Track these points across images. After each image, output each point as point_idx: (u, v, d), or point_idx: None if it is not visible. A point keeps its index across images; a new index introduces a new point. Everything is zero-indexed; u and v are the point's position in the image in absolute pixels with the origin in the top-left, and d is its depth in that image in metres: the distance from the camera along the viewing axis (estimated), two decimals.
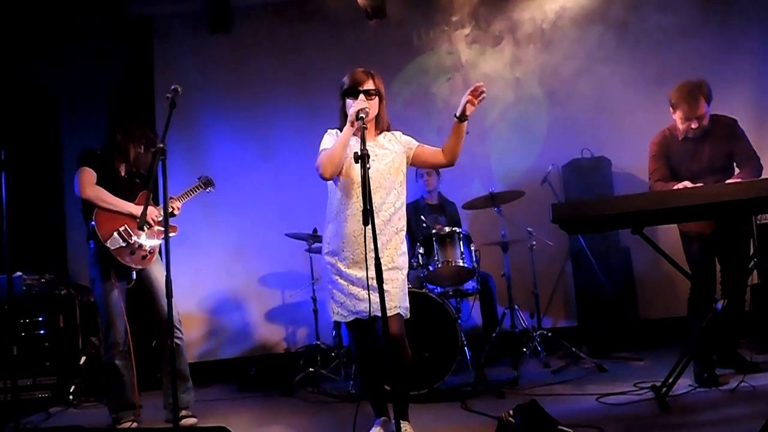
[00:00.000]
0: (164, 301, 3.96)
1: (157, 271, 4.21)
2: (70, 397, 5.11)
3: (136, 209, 4.12)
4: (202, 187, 4.52)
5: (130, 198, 4.20)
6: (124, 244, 4.05)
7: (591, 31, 6.15)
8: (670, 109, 4.21)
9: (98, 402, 5.06)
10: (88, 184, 4.08)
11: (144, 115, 4.36)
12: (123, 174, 4.28)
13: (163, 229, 4.16)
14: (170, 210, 4.21)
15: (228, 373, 5.94)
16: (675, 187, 3.92)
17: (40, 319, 5.25)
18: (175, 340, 4.07)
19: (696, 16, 6.22)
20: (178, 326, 4.16)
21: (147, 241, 4.17)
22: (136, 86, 6.47)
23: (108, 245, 4.00)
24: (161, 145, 3.19)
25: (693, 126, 4.11)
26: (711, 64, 5.95)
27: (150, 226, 4.17)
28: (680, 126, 4.17)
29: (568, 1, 5.90)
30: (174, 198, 4.29)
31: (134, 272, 4.15)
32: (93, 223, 4.02)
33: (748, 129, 4.38)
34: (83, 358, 5.43)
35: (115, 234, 4.04)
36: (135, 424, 4.06)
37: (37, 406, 4.97)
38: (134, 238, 4.09)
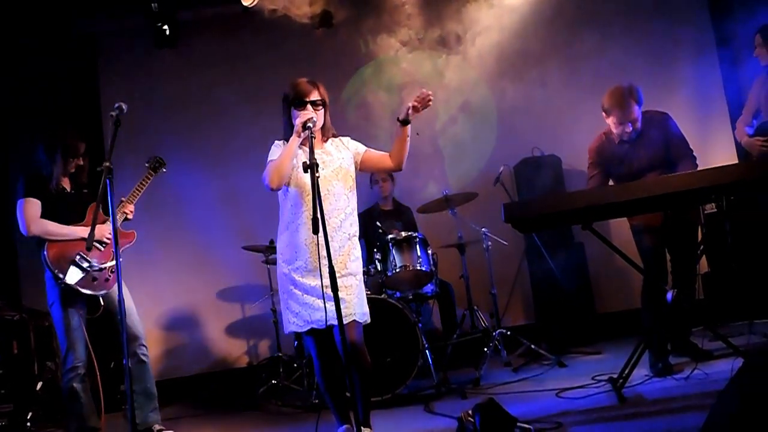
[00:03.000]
0: (128, 320, 3.93)
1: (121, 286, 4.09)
2: (28, 424, 4.98)
3: (86, 232, 3.91)
4: (152, 174, 4.33)
5: (82, 213, 4.06)
6: (83, 275, 3.90)
7: (536, 29, 6.24)
8: (603, 114, 4.30)
9: (56, 428, 4.95)
10: (32, 220, 3.92)
11: (75, 129, 4.18)
12: (69, 189, 4.13)
13: (122, 240, 4.07)
14: (124, 215, 4.10)
15: (190, 391, 5.87)
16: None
17: None
18: (143, 357, 4.02)
19: (633, 7, 6.38)
20: (143, 343, 4.07)
21: (104, 261, 4.00)
22: (83, 106, 6.36)
23: (67, 281, 3.85)
24: (107, 164, 3.16)
25: (627, 130, 4.21)
26: (652, 58, 6.11)
27: (105, 245, 4.03)
28: (615, 131, 4.26)
29: (513, 6, 5.98)
30: (125, 201, 4.15)
31: (101, 298, 3.99)
32: (45, 253, 3.87)
33: (691, 120, 4.49)
34: (40, 384, 5.30)
35: (72, 267, 3.88)
36: None
37: None
38: (93, 262, 3.93)
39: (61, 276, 3.83)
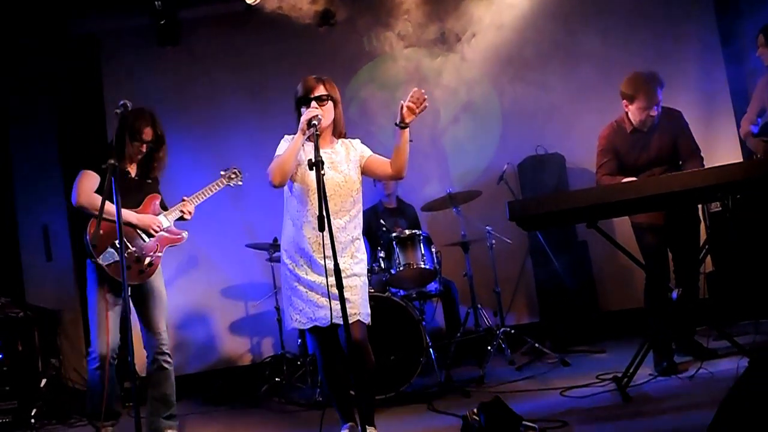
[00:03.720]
0: (155, 314, 3.89)
1: (158, 283, 3.96)
2: (32, 420, 4.99)
3: (138, 218, 3.86)
4: (224, 183, 4.24)
5: (139, 200, 3.94)
6: (118, 258, 3.71)
7: (540, 29, 6.22)
8: (624, 101, 4.25)
9: (60, 425, 4.97)
10: (84, 192, 3.77)
11: (146, 113, 3.94)
12: (133, 175, 3.98)
13: (170, 236, 4.00)
14: (180, 214, 4.02)
15: (194, 388, 5.87)
16: (623, 181, 4.01)
17: None
18: (164, 364, 3.90)
19: (637, 5, 6.35)
20: (166, 350, 3.91)
21: (145, 253, 3.86)
22: (86, 104, 6.37)
23: (100, 261, 3.71)
24: (112, 161, 3.15)
25: (652, 114, 4.17)
26: (656, 56, 6.09)
27: (151, 237, 3.90)
28: (638, 117, 4.21)
29: (516, 3, 5.98)
30: (186, 200, 4.06)
31: (129, 288, 3.77)
32: (87, 237, 3.72)
33: (695, 119, 4.49)
34: (44, 381, 5.32)
35: (110, 249, 3.73)
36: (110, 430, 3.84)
37: None
38: (132, 249, 3.80)
39: (95, 254, 3.72)
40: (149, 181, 4.04)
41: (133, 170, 3.98)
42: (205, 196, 4.14)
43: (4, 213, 6.36)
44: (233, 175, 4.32)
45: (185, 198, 4.08)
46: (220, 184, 4.24)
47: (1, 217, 6.35)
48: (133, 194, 3.91)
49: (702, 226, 4.49)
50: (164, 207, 4.07)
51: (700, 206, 4.55)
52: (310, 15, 6.06)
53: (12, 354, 5.14)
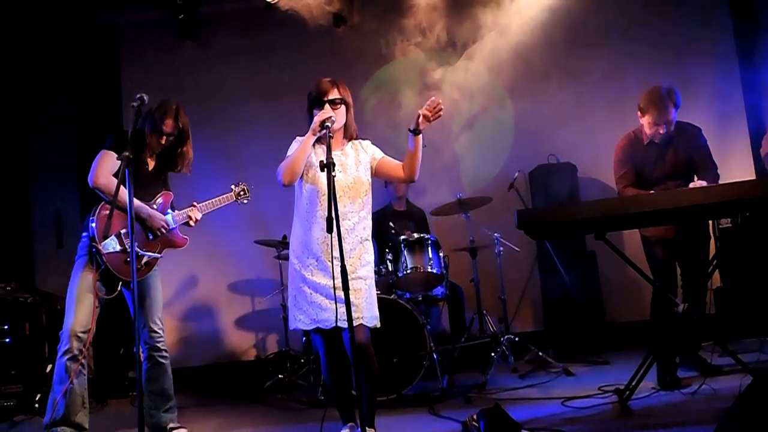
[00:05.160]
0: (150, 311, 3.84)
1: (154, 280, 3.91)
2: (36, 405, 5.03)
3: (149, 215, 3.81)
4: (232, 199, 4.23)
5: (152, 194, 3.89)
6: (119, 249, 3.70)
7: (557, 39, 6.23)
8: (638, 113, 4.28)
9: None
10: (102, 173, 3.68)
11: (172, 107, 3.86)
12: (150, 168, 3.91)
13: (172, 240, 3.95)
14: (187, 219, 3.99)
15: (198, 381, 5.92)
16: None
17: (6, 327, 5.18)
18: (160, 360, 3.87)
19: (653, 19, 6.36)
20: (161, 347, 3.88)
21: (146, 251, 3.81)
22: (104, 95, 6.43)
23: (100, 246, 3.63)
24: (126, 153, 3.15)
25: (661, 131, 4.19)
26: (672, 72, 6.08)
27: (155, 237, 3.85)
28: (648, 130, 4.24)
29: (533, 12, 5.98)
30: (195, 206, 4.03)
31: (121, 284, 3.77)
32: (93, 220, 3.65)
33: (710, 135, 4.47)
34: (49, 367, 5.36)
35: (114, 238, 3.68)
36: None
37: (3, 414, 4.89)
38: (135, 244, 3.63)
39: (97, 240, 3.64)
40: (164, 177, 4.01)
41: (151, 163, 3.93)
42: (213, 206, 4.12)
43: (19, 199, 6.44)
44: (242, 193, 4.32)
45: (195, 204, 4.05)
46: (228, 198, 4.22)
47: (16, 203, 6.43)
48: (146, 187, 3.86)
49: (712, 241, 4.48)
50: (173, 207, 4.05)
51: (711, 222, 4.55)
52: (328, 15, 6.11)
53: (19, 338, 5.19)
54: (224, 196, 4.21)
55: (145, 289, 3.85)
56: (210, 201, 4.12)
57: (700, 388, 3.92)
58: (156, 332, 3.88)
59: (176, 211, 4.03)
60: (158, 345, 3.89)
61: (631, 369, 3.95)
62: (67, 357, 3.59)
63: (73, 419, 3.60)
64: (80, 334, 3.61)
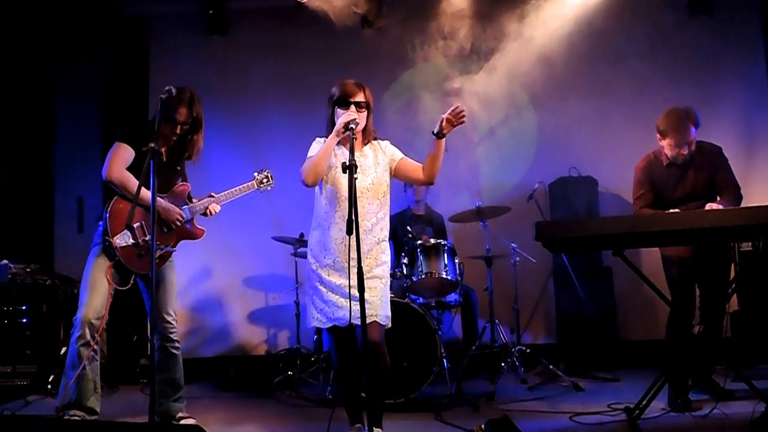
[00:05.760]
0: (163, 301, 3.88)
1: (169, 272, 3.93)
2: (49, 386, 5.11)
3: (163, 207, 3.80)
4: (254, 187, 4.16)
5: (167, 185, 3.88)
6: (132, 242, 3.70)
7: (583, 52, 6.21)
8: (658, 135, 4.27)
9: None
10: (116, 166, 3.68)
11: (187, 96, 3.84)
12: (164, 159, 3.87)
13: (188, 231, 3.95)
14: (205, 209, 3.98)
15: (208, 372, 5.95)
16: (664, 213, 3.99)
17: (24, 307, 5.26)
18: (172, 350, 3.91)
19: (681, 36, 6.31)
20: (174, 337, 3.91)
21: (160, 244, 3.77)
22: (131, 85, 6.49)
23: (112, 239, 3.65)
24: (152, 145, 3.18)
25: (683, 152, 4.17)
26: (697, 90, 6.05)
27: (169, 229, 3.85)
28: (669, 153, 4.22)
29: (560, 21, 5.98)
30: (214, 197, 4.02)
31: (134, 276, 3.80)
32: (106, 213, 3.66)
33: (735, 155, 4.44)
34: (64, 349, 5.42)
35: (127, 231, 3.69)
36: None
37: (16, 393, 4.95)
38: (147, 237, 3.72)
39: (110, 233, 3.66)
40: (179, 167, 4.00)
41: (165, 153, 3.91)
42: (233, 196, 4.09)
43: (43, 183, 6.53)
44: (265, 180, 4.25)
45: (213, 195, 4.03)
46: (250, 187, 4.17)
47: (40, 187, 6.52)
48: (162, 178, 3.78)
49: (733, 264, 4.44)
50: (190, 198, 4.05)
51: (733, 244, 4.50)
52: (354, 17, 6.14)
53: (36, 320, 5.26)
54: (246, 184, 4.18)
55: (159, 281, 3.85)
56: (230, 190, 4.09)
57: (712, 412, 3.88)
58: (169, 323, 3.92)
59: (193, 202, 4.03)
60: (170, 335, 3.93)
61: (642, 388, 3.93)
62: (80, 343, 3.64)
63: (84, 403, 3.66)
64: (93, 321, 3.66)
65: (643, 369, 5.20)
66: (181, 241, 3.99)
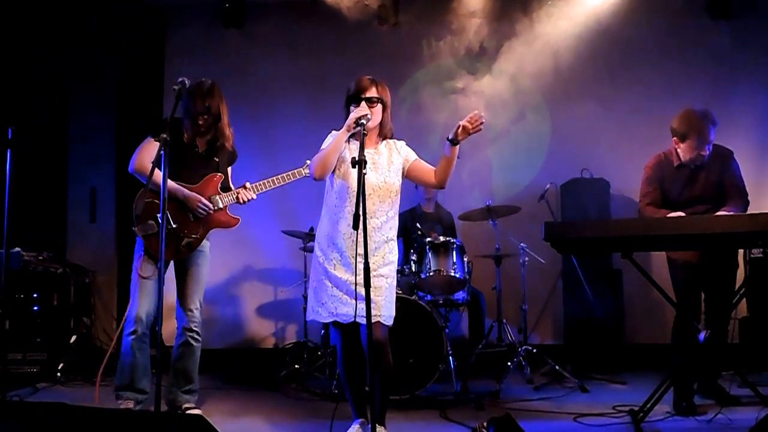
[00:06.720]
0: (189, 292, 3.96)
1: (199, 262, 3.99)
2: (58, 374, 5.17)
3: (185, 195, 3.84)
4: (298, 175, 4.05)
5: (199, 176, 3.92)
6: (156, 231, 3.74)
7: (597, 53, 6.20)
8: (675, 138, 4.22)
9: (84, 382, 5.11)
10: (142, 160, 3.78)
11: (206, 86, 3.90)
12: (200, 150, 3.96)
13: (220, 220, 3.97)
14: (236, 195, 3.97)
15: (216, 364, 5.97)
16: (669, 215, 3.97)
17: (35, 295, 5.32)
18: (191, 341, 3.97)
19: (698, 39, 6.29)
20: (195, 328, 3.98)
21: (187, 233, 3.86)
22: (146, 75, 6.54)
23: (140, 231, 3.76)
24: (164, 136, 3.21)
25: (703, 153, 4.14)
26: (711, 92, 6.02)
27: (195, 217, 3.88)
28: (689, 155, 4.16)
29: (573, 23, 5.97)
30: (249, 186, 4.01)
31: (170, 263, 3.88)
32: (134, 206, 3.67)
33: (750, 160, 4.40)
34: (74, 337, 5.50)
35: (150, 220, 3.77)
36: (131, 406, 3.82)
37: (25, 380, 5.00)
38: (173, 225, 3.80)
39: (135, 223, 3.76)
40: (216, 159, 4.01)
41: (201, 145, 3.97)
42: (272, 185, 4.04)
43: (57, 172, 6.60)
44: (306, 171, 4.10)
45: (248, 184, 4.02)
46: (299, 173, 4.06)
47: (53, 176, 6.59)
48: (194, 169, 3.91)
49: (740, 270, 4.41)
50: (227, 188, 4.05)
51: (741, 251, 4.48)
52: (370, 13, 6.15)
53: (47, 308, 5.32)
54: (290, 172, 4.06)
55: (187, 268, 3.98)
56: (270, 179, 4.03)
57: (716, 417, 3.87)
58: (192, 313, 3.99)
59: (227, 192, 4.02)
60: (192, 326, 3.99)
61: (647, 391, 3.92)
62: (132, 337, 3.83)
63: (136, 385, 3.86)
64: (144, 318, 3.82)
65: (649, 372, 5.20)
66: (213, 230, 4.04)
